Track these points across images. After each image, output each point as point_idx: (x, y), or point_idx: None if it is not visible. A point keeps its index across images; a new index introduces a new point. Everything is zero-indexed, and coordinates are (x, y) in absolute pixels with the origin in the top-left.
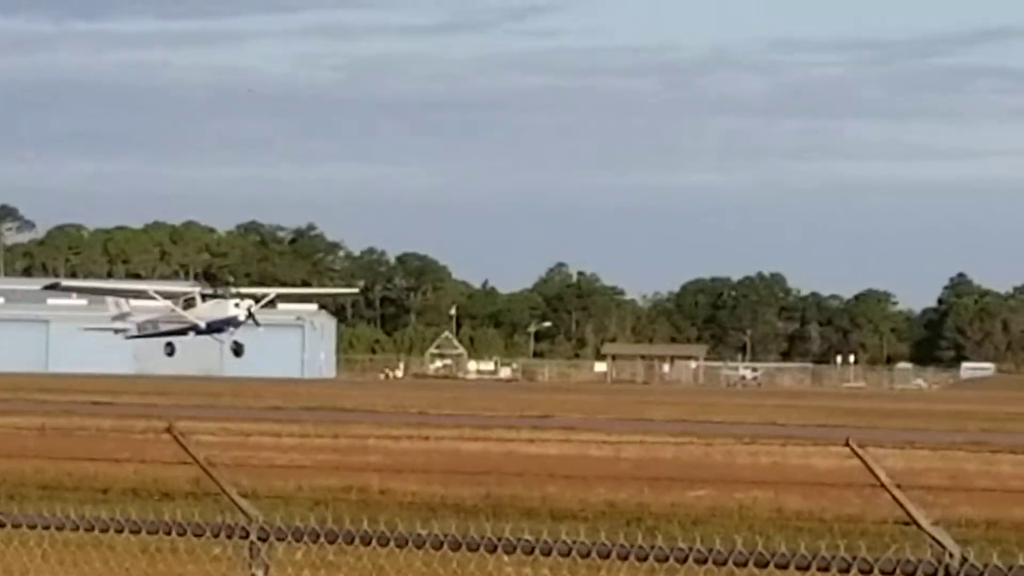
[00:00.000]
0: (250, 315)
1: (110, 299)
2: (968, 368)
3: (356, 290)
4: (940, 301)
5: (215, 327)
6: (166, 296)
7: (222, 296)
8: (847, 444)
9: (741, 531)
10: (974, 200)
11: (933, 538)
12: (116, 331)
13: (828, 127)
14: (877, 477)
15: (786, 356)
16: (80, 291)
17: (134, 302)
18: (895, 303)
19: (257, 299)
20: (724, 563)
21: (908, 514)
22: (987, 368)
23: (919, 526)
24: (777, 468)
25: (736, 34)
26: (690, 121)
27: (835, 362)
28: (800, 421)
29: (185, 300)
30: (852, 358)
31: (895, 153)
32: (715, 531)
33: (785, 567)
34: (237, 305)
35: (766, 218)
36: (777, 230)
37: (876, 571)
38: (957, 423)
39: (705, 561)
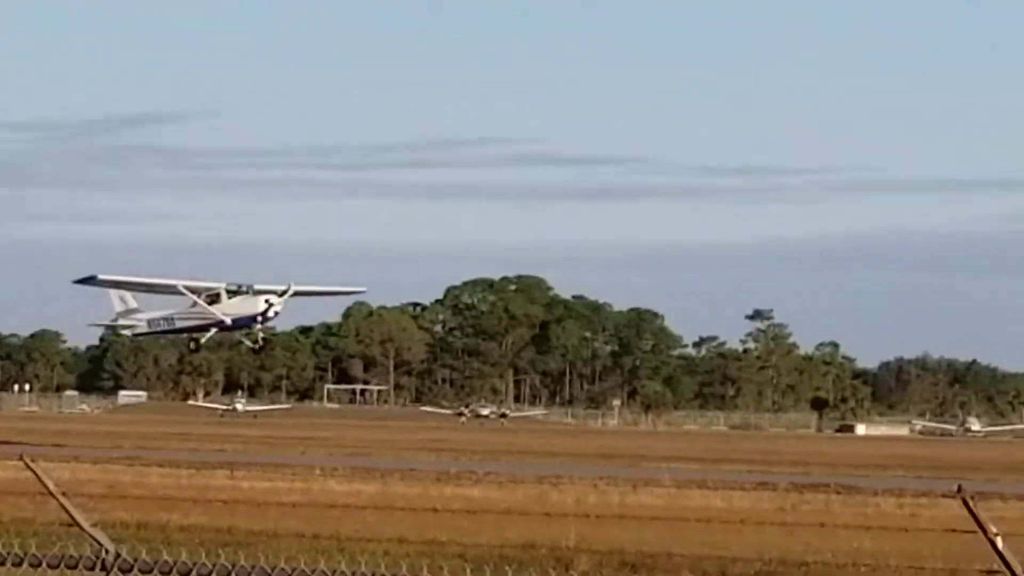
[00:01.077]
0: (274, 310)
1: (113, 293)
2: (125, 395)
3: (364, 288)
4: (101, 339)
5: (241, 323)
6: (193, 291)
7: (247, 292)
8: (21, 459)
9: None
10: (140, 255)
11: (93, 537)
12: (123, 328)
13: (11, 194)
14: (46, 486)
15: None
16: (116, 285)
17: (141, 297)
18: (64, 341)
19: (278, 294)
20: None
21: (72, 517)
22: (140, 395)
23: (81, 527)
24: None
25: None
26: None
27: (13, 390)
28: None
29: (209, 296)
30: (28, 387)
31: (71, 216)
32: None
33: None
34: (267, 301)
35: None
36: None
37: (44, 565)
38: (115, 441)
39: None
